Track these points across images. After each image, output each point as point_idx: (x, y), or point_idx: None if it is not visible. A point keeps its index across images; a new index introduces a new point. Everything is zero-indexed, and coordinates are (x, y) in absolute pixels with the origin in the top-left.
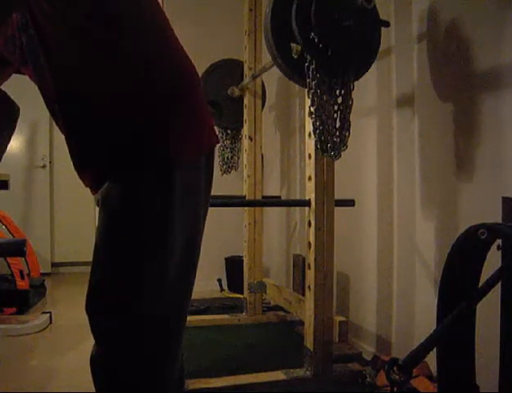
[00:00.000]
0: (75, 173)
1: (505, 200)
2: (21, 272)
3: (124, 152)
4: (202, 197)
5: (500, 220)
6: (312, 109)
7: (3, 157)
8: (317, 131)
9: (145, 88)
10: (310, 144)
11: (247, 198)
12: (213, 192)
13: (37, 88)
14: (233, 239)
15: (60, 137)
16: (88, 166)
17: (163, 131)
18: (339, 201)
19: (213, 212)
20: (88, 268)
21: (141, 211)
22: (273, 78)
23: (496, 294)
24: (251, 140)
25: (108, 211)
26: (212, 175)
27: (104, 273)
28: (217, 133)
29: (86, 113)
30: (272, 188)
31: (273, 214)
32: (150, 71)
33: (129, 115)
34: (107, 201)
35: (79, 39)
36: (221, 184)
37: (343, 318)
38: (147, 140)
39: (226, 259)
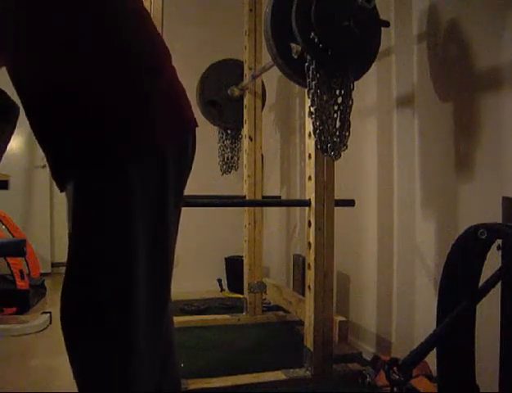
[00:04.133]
0: None
1: (505, 200)
2: (21, 272)
3: (78, 151)
4: (165, 194)
5: (500, 220)
6: (312, 109)
7: (3, 157)
8: (317, 131)
9: (103, 85)
10: (310, 144)
11: (247, 198)
12: (213, 192)
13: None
14: (233, 239)
15: None
16: (48, 162)
17: (115, 130)
18: (339, 200)
19: (213, 212)
20: None
21: (93, 211)
22: (273, 78)
23: (496, 294)
24: (251, 140)
25: (69, 209)
26: (183, 169)
27: (70, 272)
28: (218, 133)
29: (48, 112)
30: (272, 188)
31: (273, 214)
32: (110, 66)
33: (85, 115)
34: (68, 199)
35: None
36: (221, 184)
37: (343, 318)
38: (99, 139)
39: (226, 259)
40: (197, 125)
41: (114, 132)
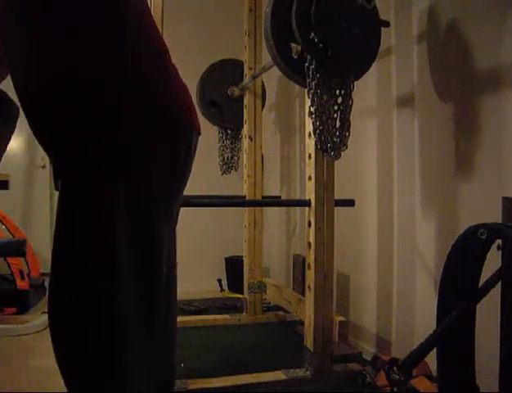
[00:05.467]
0: None
1: (505, 200)
2: (21, 272)
3: (71, 158)
4: (155, 210)
5: (500, 220)
6: (312, 109)
7: (3, 157)
8: (317, 131)
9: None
10: (310, 144)
11: (247, 198)
12: (213, 192)
13: None
14: (233, 239)
15: None
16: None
17: (111, 141)
18: (339, 200)
19: (213, 212)
20: None
21: (78, 221)
22: (273, 78)
23: (496, 294)
24: (251, 140)
25: (57, 212)
26: (176, 183)
27: (54, 282)
28: (218, 133)
29: (47, 112)
30: (272, 188)
31: (273, 214)
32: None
33: (82, 116)
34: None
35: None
36: (221, 184)
37: (343, 318)
38: (95, 149)
39: (226, 259)
40: (189, 126)
41: (107, 136)
